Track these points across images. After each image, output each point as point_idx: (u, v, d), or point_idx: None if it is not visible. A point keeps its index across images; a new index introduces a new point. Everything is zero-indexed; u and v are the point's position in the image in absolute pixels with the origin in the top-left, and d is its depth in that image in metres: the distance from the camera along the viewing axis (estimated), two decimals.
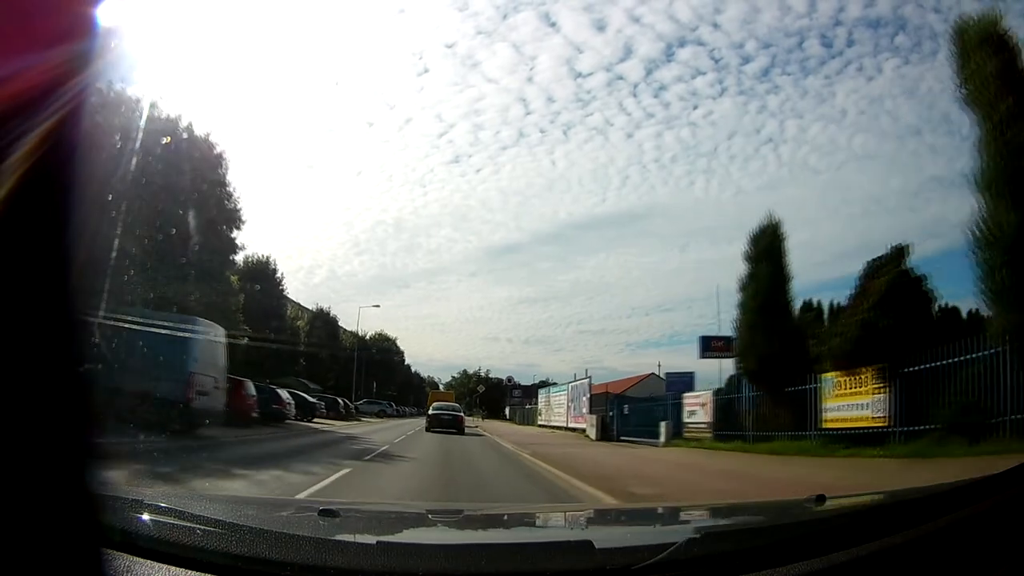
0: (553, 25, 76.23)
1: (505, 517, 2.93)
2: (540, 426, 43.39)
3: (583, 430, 29.69)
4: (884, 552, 1.36)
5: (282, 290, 39.77)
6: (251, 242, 39.13)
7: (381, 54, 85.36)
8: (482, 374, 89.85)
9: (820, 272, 77.15)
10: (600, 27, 74.31)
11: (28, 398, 0.88)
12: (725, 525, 2.29)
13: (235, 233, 23.19)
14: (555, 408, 40.96)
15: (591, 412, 30.46)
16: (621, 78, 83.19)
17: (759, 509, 2.76)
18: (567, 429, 34.81)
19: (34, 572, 0.88)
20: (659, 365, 60.45)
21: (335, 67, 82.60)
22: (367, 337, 63.42)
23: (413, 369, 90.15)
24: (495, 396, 78.51)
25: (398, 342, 73.80)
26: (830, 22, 63.71)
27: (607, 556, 1.32)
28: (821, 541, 1.41)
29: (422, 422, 28.42)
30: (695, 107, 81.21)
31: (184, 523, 1.30)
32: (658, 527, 2.56)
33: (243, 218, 23.28)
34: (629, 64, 78.33)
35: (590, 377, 35.00)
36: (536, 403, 51.18)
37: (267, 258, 36.76)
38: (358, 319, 61.23)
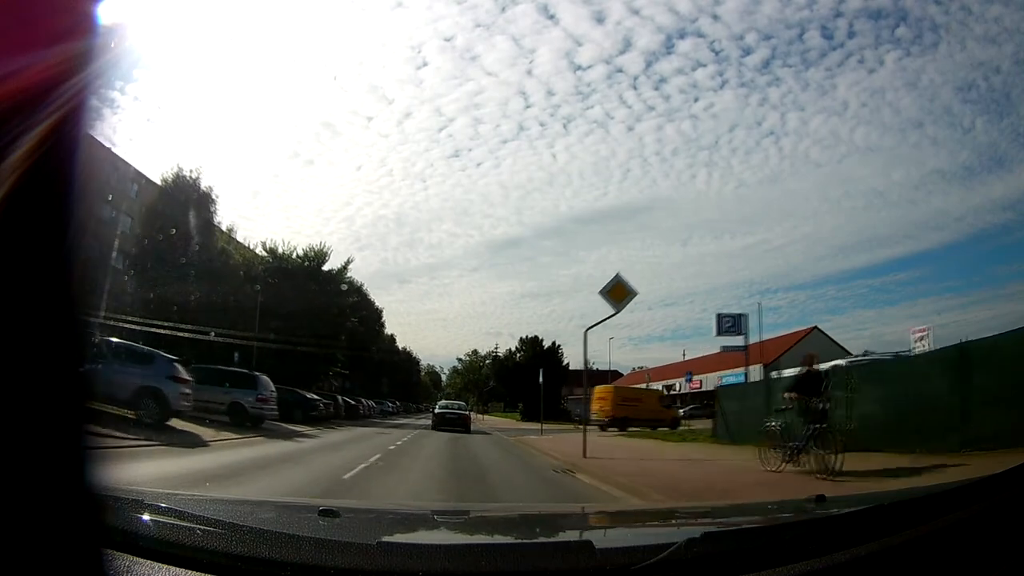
0: (552, 17, 76.33)
1: (506, 518, 2.93)
2: None
3: None
4: (884, 552, 1.36)
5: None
6: (254, 241, 33.93)
7: (379, 48, 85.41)
8: (500, 354, 65.23)
9: (822, 267, 77.28)
10: (599, 19, 74.57)
11: (28, 398, 0.88)
12: (725, 525, 2.30)
13: None
14: None
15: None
16: (621, 71, 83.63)
17: (759, 509, 2.76)
18: None
19: (35, 572, 0.88)
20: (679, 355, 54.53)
21: (333, 62, 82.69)
22: (296, 256, 33.29)
23: (403, 346, 68.63)
24: (525, 376, 45.31)
25: (365, 288, 43.54)
26: (831, 13, 63.91)
27: (607, 556, 1.31)
28: (821, 541, 1.41)
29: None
30: (696, 100, 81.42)
31: (184, 523, 1.30)
32: (658, 527, 2.56)
33: None
34: (629, 56, 78.66)
35: None
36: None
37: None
38: None
